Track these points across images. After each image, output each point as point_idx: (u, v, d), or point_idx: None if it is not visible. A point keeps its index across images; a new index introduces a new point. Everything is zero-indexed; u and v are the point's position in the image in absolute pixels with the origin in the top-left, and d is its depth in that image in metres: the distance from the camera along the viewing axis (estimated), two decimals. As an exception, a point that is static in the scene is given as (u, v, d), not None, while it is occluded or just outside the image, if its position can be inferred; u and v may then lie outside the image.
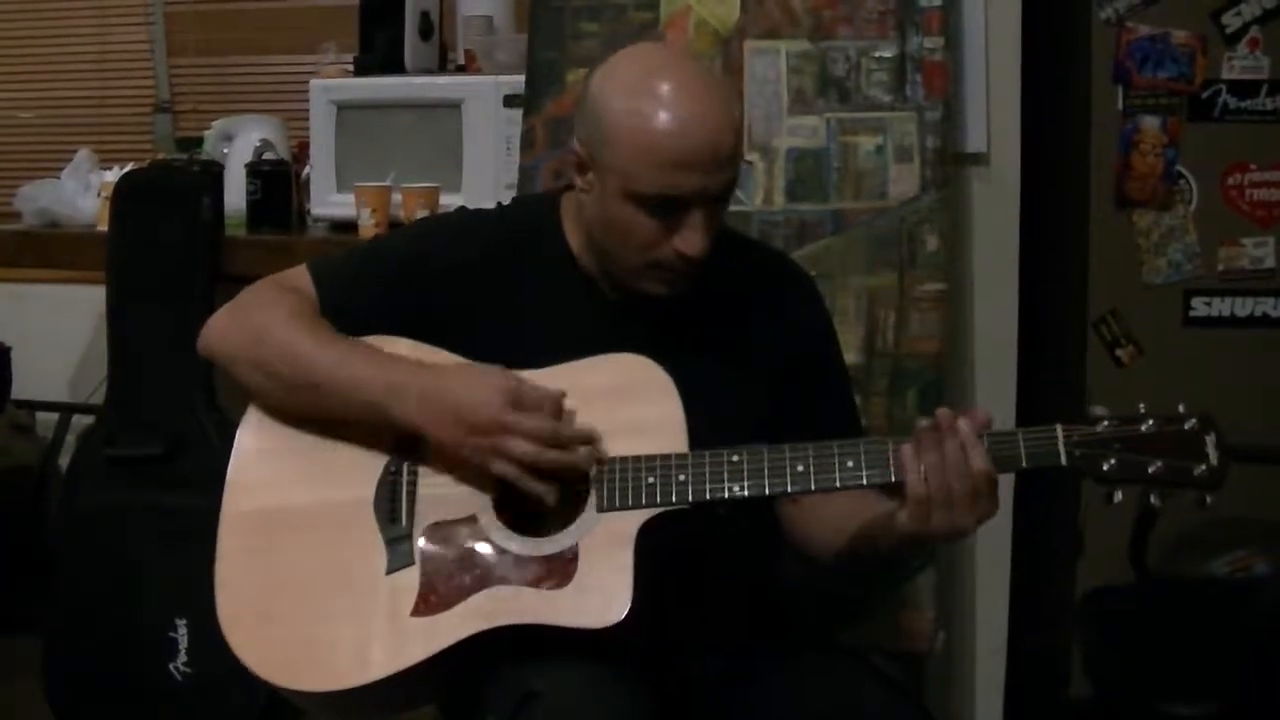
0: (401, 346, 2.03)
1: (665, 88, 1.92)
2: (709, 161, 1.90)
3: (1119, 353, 3.00)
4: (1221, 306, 2.97)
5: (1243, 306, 2.97)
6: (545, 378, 1.98)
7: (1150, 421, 1.80)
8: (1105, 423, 1.80)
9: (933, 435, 1.81)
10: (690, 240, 1.94)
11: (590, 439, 1.90)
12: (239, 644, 1.92)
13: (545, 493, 1.89)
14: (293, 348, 1.99)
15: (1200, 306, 2.98)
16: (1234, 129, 2.95)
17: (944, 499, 1.80)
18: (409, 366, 1.96)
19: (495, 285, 2.07)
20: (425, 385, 1.93)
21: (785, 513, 2.10)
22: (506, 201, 2.32)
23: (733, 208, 2.58)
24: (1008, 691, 2.91)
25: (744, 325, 2.10)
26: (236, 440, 2.06)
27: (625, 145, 1.92)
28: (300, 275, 2.11)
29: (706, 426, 1.93)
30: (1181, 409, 1.80)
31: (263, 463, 2.04)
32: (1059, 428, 1.81)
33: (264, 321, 2.03)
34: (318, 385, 1.98)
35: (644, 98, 1.92)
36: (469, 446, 1.90)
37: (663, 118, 1.90)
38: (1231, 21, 2.92)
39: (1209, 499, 1.79)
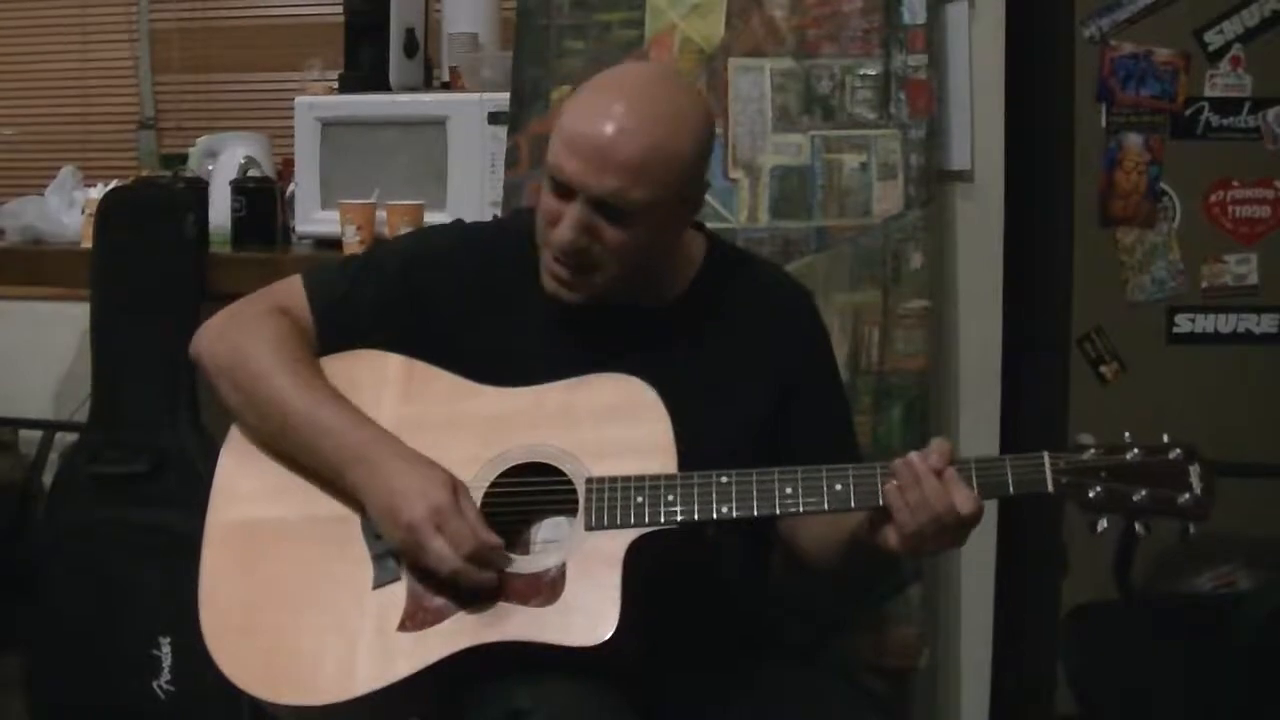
0: (393, 365, 2.04)
1: (609, 84, 1.98)
2: (593, 155, 1.91)
3: (1103, 370, 3.00)
4: (1205, 323, 2.98)
5: (1226, 323, 2.98)
6: (535, 396, 1.99)
7: (1135, 450, 1.82)
8: (1091, 451, 1.82)
9: (910, 475, 1.82)
10: (559, 228, 1.95)
11: (490, 587, 1.88)
12: (222, 657, 1.92)
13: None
14: (270, 380, 2.01)
15: (1184, 323, 2.99)
16: (1217, 146, 2.96)
17: (934, 531, 1.82)
18: (370, 440, 1.96)
19: (486, 294, 2.09)
20: (375, 468, 1.93)
21: (779, 522, 2.09)
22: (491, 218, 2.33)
23: (718, 224, 2.60)
24: (993, 708, 2.91)
25: (739, 340, 2.11)
26: (222, 453, 2.07)
27: (558, 124, 1.97)
28: (295, 287, 2.12)
29: (694, 441, 1.93)
30: (1166, 438, 1.82)
31: (249, 475, 2.04)
32: (1046, 455, 1.83)
33: (249, 345, 2.04)
34: (284, 423, 2.00)
35: (591, 87, 1.99)
36: (395, 539, 1.91)
37: (584, 104, 1.95)
38: (1214, 39, 2.93)
39: (1192, 528, 1.80)
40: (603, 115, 1.91)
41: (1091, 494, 1.81)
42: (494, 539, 1.88)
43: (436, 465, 1.93)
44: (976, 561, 2.86)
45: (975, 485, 1.82)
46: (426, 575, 1.90)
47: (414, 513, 1.87)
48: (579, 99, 1.98)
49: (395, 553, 1.93)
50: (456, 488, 1.90)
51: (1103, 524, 1.81)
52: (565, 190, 1.95)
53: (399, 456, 1.94)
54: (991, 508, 2.72)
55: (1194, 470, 1.80)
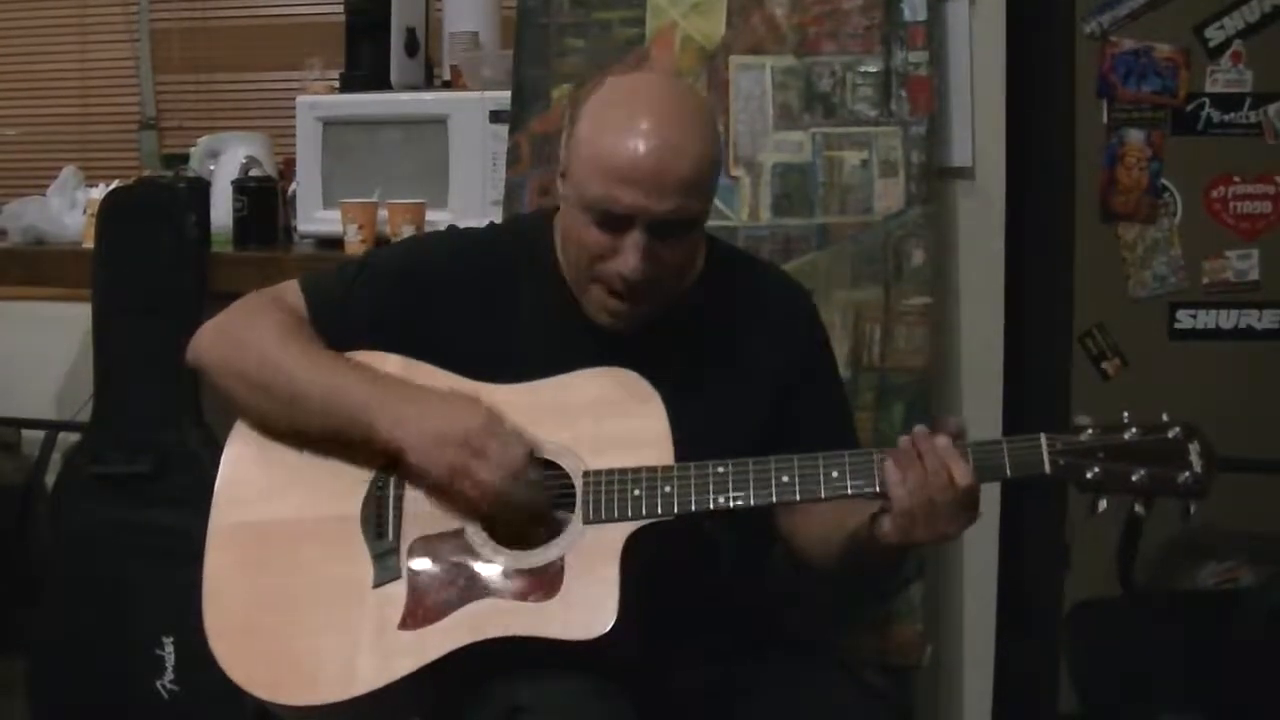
0: (392, 364, 2.04)
1: (633, 103, 1.94)
2: (651, 181, 1.89)
3: (1105, 366, 3.01)
4: (1206, 319, 2.98)
5: (1227, 319, 2.98)
6: (532, 391, 1.99)
7: (1134, 430, 1.81)
8: (1089, 431, 1.81)
9: (913, 450, 1.82)
10: (625, 259, 1.93)
11: (533, 509, 1.91)
12: (224, 657, 1.92)
13: (510, 518, 1.91)
14: (278, 360, 2.00)
15: (1185, 319, 2.99)
16: (1217, 142, 2.96)
17: (927, 512, 1.81)
18: (392, 385, 1.97)
19: (486, 301, 2.08)
20: (406, 404, 1.94)
21: (779, 519, 2.10)
22: (492, 218, 2.33)
23: (718, 223, 2.60)
24: (996, 705, 2.91)
25: (738, 340, 2.11)
26: (225, 453, 2.07)
27: (584, 152, 1.94)
28: (291, 289, 2.12)
29: (693, 442, 1.93)
30: (1165, 417, 1.81)
31: (251, 476, 2.04)
32: (1043, 436, 1.82)
33: (252, 334, 2.04)
34: (301, 398, 1.98)
35: (612, 109, 1.95)
36: (441, 465, 1.91)
37: (617, 129, 1.92)
38: (1215, 35, 2.93)
39: (1193, 507, 1.79)
40: (640, 137, 1.89)
41: (1090, 474, 1.80)
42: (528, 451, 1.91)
43: (466, 395, 1.95)
44: (979, 558, 2.86)
45: (972, 467, 1.82)
46: (428, 573, 1.91)
47: (452, 442, 1.89)
48: (606, 125, 1.94)
49: (396, 550, 1.93)
50: (489, 411, 1.92)
51: (1103, 504, 1.80)
52: (615, 222, 1.92)
53: (428, 395, 1.96)
54: (994, 505, 2.74)
55: (1193, 448, 1.79)
